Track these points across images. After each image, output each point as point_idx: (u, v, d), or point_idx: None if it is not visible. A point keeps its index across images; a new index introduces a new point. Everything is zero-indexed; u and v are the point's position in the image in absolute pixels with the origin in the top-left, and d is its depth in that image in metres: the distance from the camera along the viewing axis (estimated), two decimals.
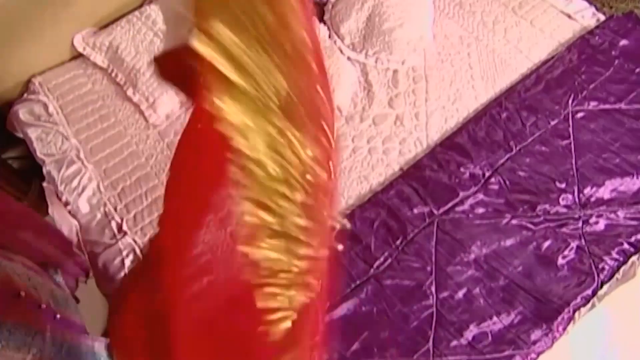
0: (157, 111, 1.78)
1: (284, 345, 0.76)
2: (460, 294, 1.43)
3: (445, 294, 1.44)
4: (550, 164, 1.65)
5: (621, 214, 1.55)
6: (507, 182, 1.62)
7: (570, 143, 1.69)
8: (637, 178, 1.61)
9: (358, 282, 1.48)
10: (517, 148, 1.68)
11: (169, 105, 1.80)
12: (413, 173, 1.63)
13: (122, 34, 1.87)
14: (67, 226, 1.62)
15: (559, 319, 1.38)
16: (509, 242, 1.51)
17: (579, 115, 1.75)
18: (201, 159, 0.68)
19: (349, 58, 1.93)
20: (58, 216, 1.63)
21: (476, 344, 1.36)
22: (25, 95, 1.87)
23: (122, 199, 1.64)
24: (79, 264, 1.34)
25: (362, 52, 1.92)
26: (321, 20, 2.00)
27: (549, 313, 1.39)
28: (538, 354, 1.35)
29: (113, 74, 1.88)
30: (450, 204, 1.58)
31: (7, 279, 0.87)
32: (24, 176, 2.09)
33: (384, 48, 1.88)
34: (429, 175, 1.61)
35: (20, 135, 1.80)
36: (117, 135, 1.76)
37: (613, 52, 1.88)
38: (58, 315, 0.99)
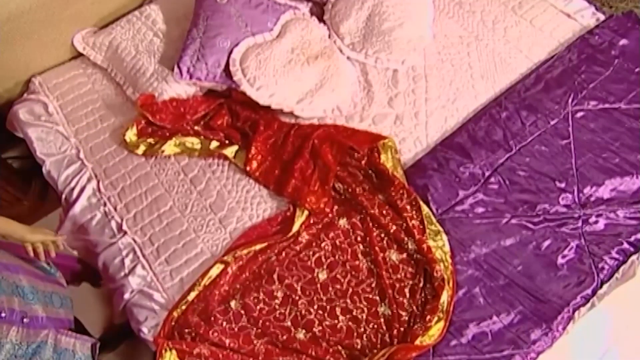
0: None
1: None
2: (460, 293, 1.43)
3: None
4: (550, 164, 1.65)
5: (621, 213, 1.55)
6: (507, 182, 1.61)
7: (570, 142, 1.69)
8: (637, 177, 1.61)
9: None
10: (517, 148, 1.68)
11: None
12: (413, 172, 1.64)
13: (122, 33, 1.87)
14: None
15: (559, 318, 1.38)
16: (508, 242, 1.51)
17: (579, 114, 1.75)
18: None
19: (348, 58, 1.93)
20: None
21: (476, 344, 1.37)
22: (25, 95, 1.87)
23: (121, 198, 1.64)
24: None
25: (361, 51, 1.92)
26: (321, 19, 2.00)
27: (548, 312, 1.39)
28: (538, 354, 1.35)
29: (113, 74, 1.88)
30: (450, 204, 1.58)
31: None
32: (24, 176, 2.10)
33: (384, 48, 1.88)
34: (429, 175, 1.61)
35: (20, 135, 1.80)
36: (116, 135, 1.76)
37: (613, 52, 1.88)
38: (26, 320, 1.03)
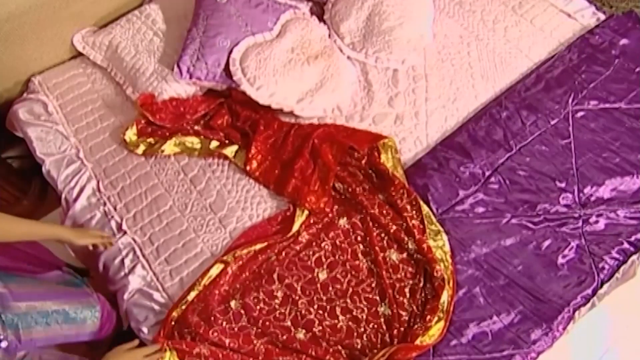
0: None
1: None
2: (461, 293, 1.43)
3: None
4: (550, 164, 1.64)
5: (621, 213, 1.55)
6: (507, 182, 1.61)
7: (571, 142, 1.69)
8: (637, 177, 1.61)
9: None
10: (517, 147, 1.68)
11: None
12: (413, 172, 1.63)
13: (121, 33, 1.87)
14: None
15: (559, 318, 1.38)
16: (509, 242, 1.51)
17: (579, 114, 1.75)
18: None
19: (348, 57, 1.93)
20: None
21: (476, 343, 1.36)
22: (24, 94, 1.87)
23: (121, 198, 1.64)
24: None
25: (362, 51, 1.92)
26: (321, 19, 2.00)
27: (549, 312, 1.39)
28: (538, 354, 1.35)
29: (113, 73, 1.88)
30: (450, 203, 1.58)
31: None
32: (24, 176, 2.09)
33: (384, 47, 1.88)
34: (429, 175, 1.61)
35: (20, 134, 1.80)
36: (116, 134, 1.76)
37: (613, 52, 1.88)
38: (18, 345, 1.06)
